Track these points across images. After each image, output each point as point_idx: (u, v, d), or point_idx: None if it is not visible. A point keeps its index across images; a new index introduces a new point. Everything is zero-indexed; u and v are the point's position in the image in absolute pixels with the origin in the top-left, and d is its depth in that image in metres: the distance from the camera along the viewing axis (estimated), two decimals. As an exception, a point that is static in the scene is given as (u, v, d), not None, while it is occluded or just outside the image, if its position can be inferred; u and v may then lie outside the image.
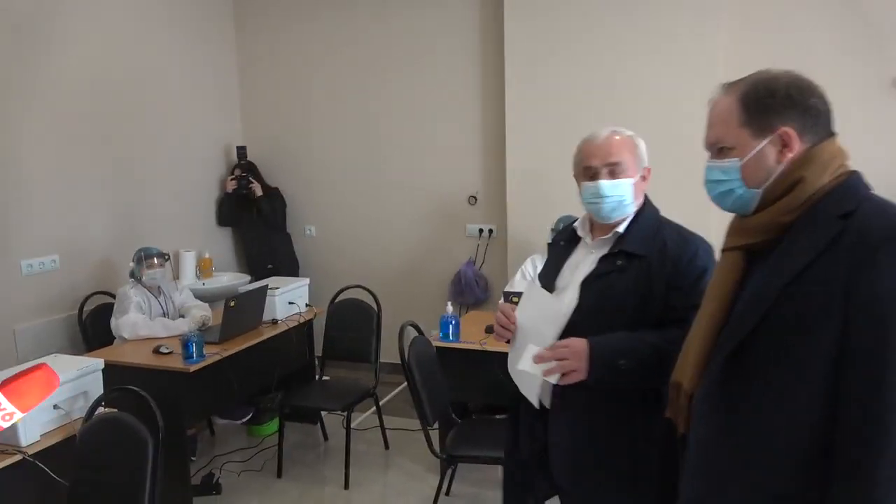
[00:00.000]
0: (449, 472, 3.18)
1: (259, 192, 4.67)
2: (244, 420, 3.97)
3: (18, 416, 0.76)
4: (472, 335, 3.25)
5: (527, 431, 1.76)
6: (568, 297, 1.65)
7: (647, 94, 3.84)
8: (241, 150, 4.73)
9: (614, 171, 1.65)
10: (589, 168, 1.67)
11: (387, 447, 3.73)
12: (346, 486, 3.32)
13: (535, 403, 1.68)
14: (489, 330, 3.27)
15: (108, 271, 3.94)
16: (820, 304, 1.03)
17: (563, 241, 1.79)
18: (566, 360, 1.54)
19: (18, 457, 2.08)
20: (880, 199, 1.10)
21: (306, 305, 3.85)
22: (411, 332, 3.06)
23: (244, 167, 4.72)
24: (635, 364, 1.51)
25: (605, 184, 1.64)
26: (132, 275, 3.49)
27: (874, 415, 0.98)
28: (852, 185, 1.11)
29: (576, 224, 1.77)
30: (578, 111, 3.98)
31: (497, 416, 3.58)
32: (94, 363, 2.43)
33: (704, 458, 1.19)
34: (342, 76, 4.76)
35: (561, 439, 1.67)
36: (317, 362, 3.91)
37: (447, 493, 3.21)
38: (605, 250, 1.66)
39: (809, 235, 1.07)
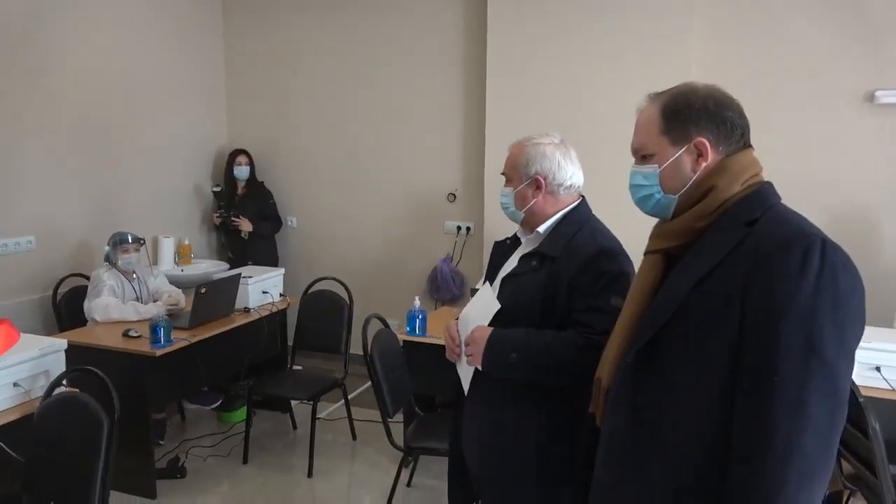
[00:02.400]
0: (409, 463, 3.23)
1: (247, 228, 4.66)
2: (214, 406, 4.00)
3: None
4: (440, 330, 3.27)
5: (457, 420, 1.84)
6: (495, 287, 1.74)
7: (624, 96, 3.87)
8: (217, 192, 4.82)
9: (506, 179, 1.78)
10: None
11: (354, 438, 3.78)
12: (310, 474, 3.37)
13: (465, 391, 1.76)
14: (456, 326, 3.33)
15: (84, 254, 3.97)
16: (720, 306, 1.08)
17: (509, 241, 1.87)
18: (468, 347, 1.65)
19: (-25, 432, 2.12)
20: (784, 209, 1.15)
21: (280, 295, 3.89)
22: (377, 325, 3.10)
23: (224, 195, 4.77)
24: (524, 359, 1.57)
25: (502, 190, 1.80)
26: (107, 258, 3.52)
27: (763, 412, 1.02)
28: (761, 194, 1.16)
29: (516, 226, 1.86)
30: (558, 112, 4.03)
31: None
32: (57, 343, 2.46)
33: (613, 448, 1.24)
34: (327, 72, 4.80)
35: (470, 429, 1.75)
36: (290, 352, 3.95)
37: (408, 485, 3.27)
38: (529, 249, 1.73)
39: (717, 240, 1.13)
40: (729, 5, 3.76)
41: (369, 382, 4.36)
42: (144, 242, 3.64)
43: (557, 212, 1.72)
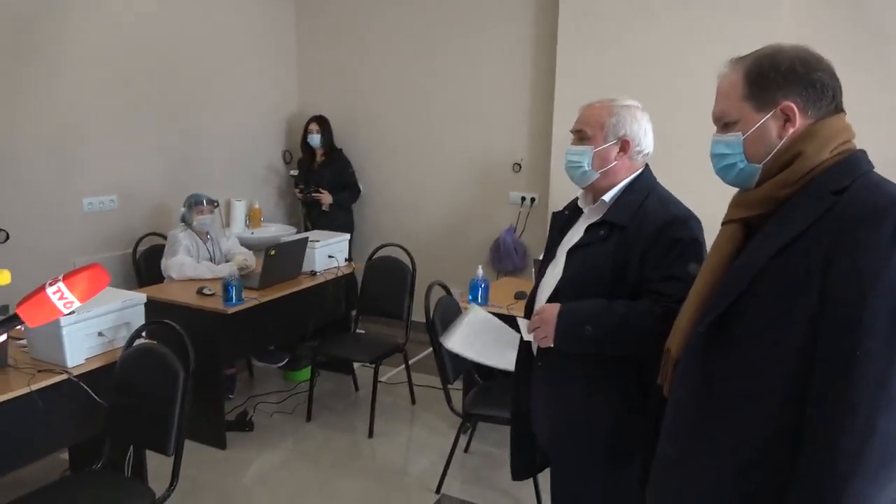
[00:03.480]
0: (467, 430, 3.27)
1: (328, 200, 4.66)
2: (280, 364, 4.15)
3: (77, 304, 0.96)
4: (501, 300, 3.29)
5: (518, 394, 1.83)
6: (557, 265, 1.70)
7: (703, 66, 3.71)
8: (295, 176, 4.88)
9: (579, 138, 1.70)
10: (573, 130, 1.75)
11: (413, 402, 3.85)
12: (371, 435, 3.46)
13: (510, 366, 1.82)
14: (518, 296, 3.32)
15: (162, 214, 4.15)
16: (801, 276, 1.03)
17: (568, 211, 1.82)
18: (538, 328, 1.61)
19: (64, 376, 2.27)
20: (877, 178, 1.08)
21: (346, 260, 3.96)
22: (440, 292, 3.13)
23: (303, 164, 4.83)
24: (601, 332, 1.53)
25: (570, 148, 1.71)
26: (183, 219, 3.67)
27: (843, 389, 0.98)
28: (852, 162, 1.10)
29: (578, 194, 1.80)
30: (628, 81, 3.89)
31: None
32: (137, 297, 2.59)
33: (678, 421, 1.21)
34: (397, 39, 4.79)
35: (540, 405, 1.73)
36: (354, 316, 4.04)
37: (466, 450, 3.31)
38: (594, 219, 1.68)
39: (802, 209, 1.07)
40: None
41: (430, 349, 4.42)
42: (218, 205, 3.77)
43: (624, 179, 1.68)
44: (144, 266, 3.88)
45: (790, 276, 1.05)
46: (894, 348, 0.96)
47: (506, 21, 4.39)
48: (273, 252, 3.38)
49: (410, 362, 3.89)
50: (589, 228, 1.66)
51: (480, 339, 1.87)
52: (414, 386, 3.87)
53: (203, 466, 3.09)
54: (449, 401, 2.93)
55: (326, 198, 4.65)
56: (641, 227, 1.58)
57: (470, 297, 3.30)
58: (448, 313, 3.00)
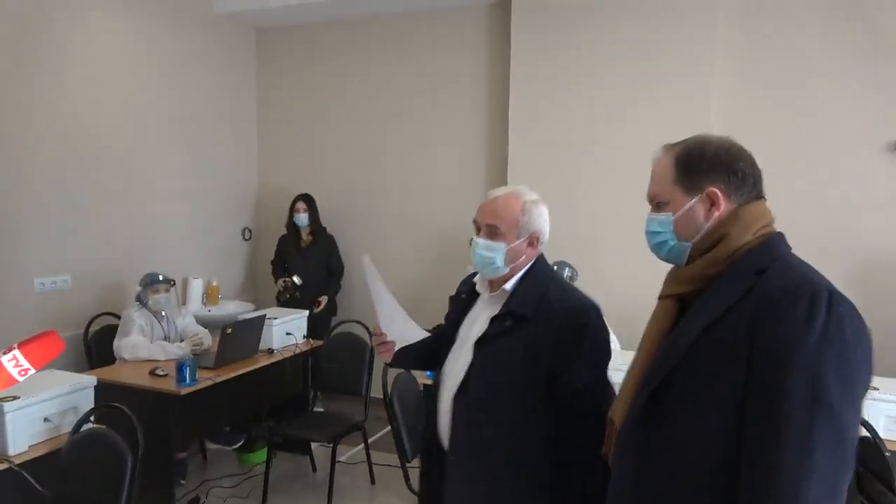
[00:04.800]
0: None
1: (324, 302, 4.57)
2: (235, 446, 4.03)
3: (32, 371, 0.96)
4: (459, 374, 3.30)
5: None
6: (462, 354, 1.70)
7: (644, 145, 3.94)
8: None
9: (491, 232, 1.67)
10: (475, 222, 1.73)
11: (373, 482, 3.76)
12: (329, 518, 3.36)
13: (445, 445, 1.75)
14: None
15: (117, 293, 4.09)
16: (728, 348, 1.11)
17: (465, 294, 1.83)
18: None
19: (5, 465, 2.18)
20: (793, 259, 1.19)
21: (304, 337, 3.94)
22: (398, 370, 3.12)
23: (289, 243, 4.72)
24: None
25: (480, 242, 1.69)
26: (138, 298, 3.63)
27: (769, 457, 1.04)
28: (771, 244, 1.20)
29: (476, 278, 1.80)
30: (579, 154, 4.12)
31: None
32: (87, 380, 2.54)
33: (623, 492, 1.25)
34: (353, 115, 4.97)
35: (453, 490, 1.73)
36: (312, 393, 3.98)
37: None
38: (496, 308, 1.68)
39: (729, 287, 1.16)
40: (749, 54, 3.84)
41: (389, 426, 4.35)
42: (174, 283, 3.75)
43: (524, 267, 1.70)
44: (96, 347, 3.79)
45: (719, 349, 1.12)
46: (814, 419, 1.01)
47: (462, 96, 4.61)
48: (230, 330, 3.35)
49: (370, 440, 3.83)
50: (494, 320, 1.65)
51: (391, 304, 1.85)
52: (373, 465, 3.79)
53: (150, 558, 2.95)
54: (407, 479, 2.88)
55: (324, 301, 4.57)
56: (549, 317, 1.60)
57: (428, 373, 3.30)
58: (406, 389, 3.00)
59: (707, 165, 1.22)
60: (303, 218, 4.64)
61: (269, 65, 5.23)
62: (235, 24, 5.00)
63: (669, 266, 1.34)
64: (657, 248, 1.30)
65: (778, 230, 1.24)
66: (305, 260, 4.62)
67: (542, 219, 1.71)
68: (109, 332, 3.72)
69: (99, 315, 3.91)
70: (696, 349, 1.15)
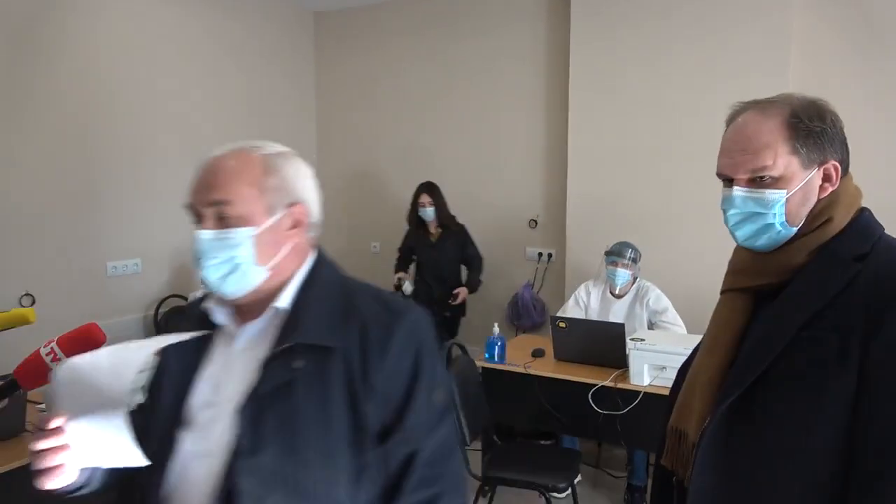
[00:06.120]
0: (486, 493, 3.18)
1: (465, 295, 4.17)
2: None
3: (64, 360, 0.95)
4: (518, 358, 3.26)
5: None
6: (210, 436, 1.00)
7: (716, 114, 3.76)
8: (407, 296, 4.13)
9: (219, 215, 1.00)
10: (190, 207, 1.03)
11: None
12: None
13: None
14: (536, 353, 3.28)
15: (185, 277, 4.22)
16: (834, 353, 0.96)
17: (190, 337, 1.07)
18: None
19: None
20: (892, 240, 1.04)
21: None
22: (456, 351, 3.11)
23: (416, 236, 4.29)
24: None
25: (203, 237, 1.00)
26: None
27: (886, 475, 0.91)
28: (866, 225, 1.05)
29: (206, 303, 1.10)
30: (642, 135, 3.94)
31: (541, 442, 3.56)
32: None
33: None
34: (412, 96, 4.92)
35: None
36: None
37: (485, 515, 3.21)
38: (265, 345, 1.01)
39: (822, 278, 1.01)
40: (828, 29, 3.58)
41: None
42: (237, 267, 3.83)
43: (298, 270, 1.06)
44: (165, 328, 3.92)
45: (820, 353, 0.97)
46: None
47: (519, 74, 4.49)
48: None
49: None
50: (273, 362, 0.99)
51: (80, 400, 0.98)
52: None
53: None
54: (466, 463, 2.86)
55: (463, 294, 4.18)
56: (368, 342, 0.99)
57: (486, 356, 3.27)
58: (465, 373, 2.97)
59: (830, 132, 1.02)
60: (429, 212, 4.18)
61: (327, 48, 5.24)
62: (293, 8, 5.03)
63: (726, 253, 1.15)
64: (754, 234, 1.06)
65: (863, 206, 1.08)
66: (437, 255, 4.21)
67: (306, 182, 1.07)
68: (177, 315, 3.84)
69: (167, 297, 4.04)
70: (791, 351, 0.99)
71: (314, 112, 5.32)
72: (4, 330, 1.46)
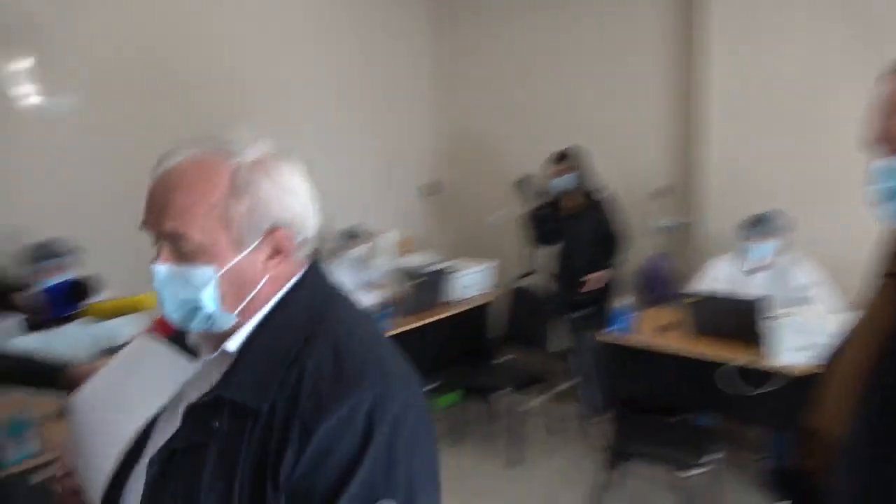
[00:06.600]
0: (615, 465, 3.14)
1: (604, 279, 3.68)
2: (426, 389, 4.27)
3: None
4: (647, 331, 3.16)
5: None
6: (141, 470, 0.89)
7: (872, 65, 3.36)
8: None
9: (175, 249, 0.84)
10: (144, 224, 0.87)
11: (555, 433, 3.78)
12: (513, 464, 3.45)
13: None
14: (666, 327, 3.16)
15: (318, 245, 4.46)
16: None
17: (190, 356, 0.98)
18: None
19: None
20: None
21: (490, 288, 4.02)
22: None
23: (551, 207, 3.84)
24: None
25: (158, 271, 0.85)
26: (337, 250, 3.93)
27: None
28: None
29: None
30: (791, 97, 3.61)
31: (669, 418, 3.44)
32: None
33: None
34: (535, 56, 4.79)
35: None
36: (497, 343, 4.07)
37: (612, 487, 3.18)
38: (205, 388, 0.85)
39: None
40: None
41: (573, 379, 4.32)
42: (369, 236, 4.01)
43: (271, 299, 0.88)
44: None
45: None
46: None
47: (653, 28, 4.25)
48: (416, 281, 3.52)
49: (553, 392, 3.83)
50: (192, 412, 0.85)
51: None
52: (556, 417, 3.80)
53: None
54: (594, 435, 2.85)
55: (595, 281, 3.68)
56: (289, 413, 0.78)
57: (614, 328, 3.20)
58: (592, 344, 2.94)
59: None
60: (563, 181, 3.70)
61: (448, 16, 5.24)
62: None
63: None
64: None
65: None
66: (573, 232, 3.75)
67: (292, 196, 0.89)
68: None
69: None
70: None
71: (431, 70, 5.34)
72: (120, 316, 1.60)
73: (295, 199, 0.89)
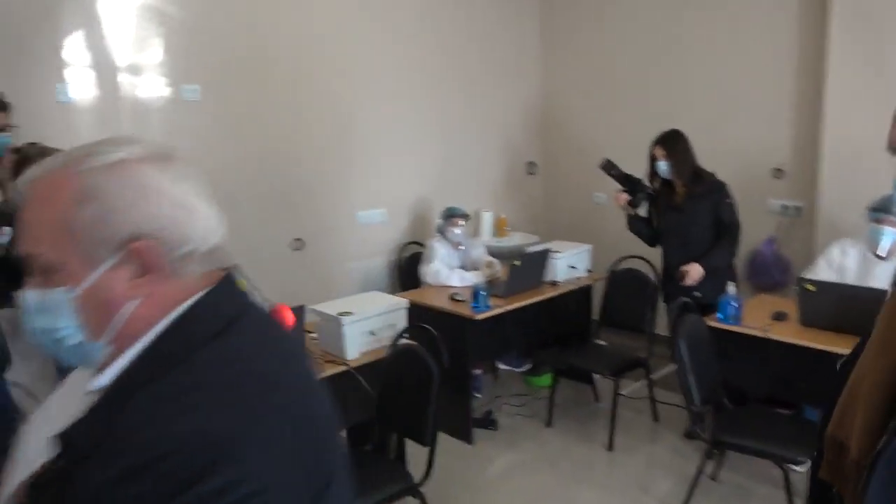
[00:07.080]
0: (714, 456, 3.08)
1: (696, 276, 3.37)
2: (522, 369, 4.32)
3: None
4: (755, 320, 3.05)
5: None
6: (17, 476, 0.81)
7: None
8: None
9: (42, 273, 0.75)
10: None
11: (656, 419, 3.73)
12: (611, 447, 3.44)
13: None
14: (776, 316, 3.04)
15: (423, 225, 4.59)
16: None
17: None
18: None
19: (343, 367, 2.67)
20: None
21: (587, 271, 3.99)
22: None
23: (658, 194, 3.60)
24: None
25: (26, 300, 0.76)
26: (439, 230, 4.03)
27: None
28: None
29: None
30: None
31: (779, 410, 3.32)
32: (401, 302, 2.94)
33: None
34: (642, 31, 4.65)
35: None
36: (594, 326, 4.06)
37: (713, 478, 3.12)
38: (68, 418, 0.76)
39: None
40: None
41: (674, 365, 4.24)
42: (470, 217, 4.07)
43: (154, 326, 0.75)
44: (405, 271, 4.34)
45: None
46: None
47: (766, 4, 4.02)
48: (518, 263, 3.55)
49: (653, 377, 3.78)
50: (53, 448, 0.74)
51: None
52: (657, 402, 3.75)
53: (450, 457, 3.35)
54: (694, 423, 2.80)
55: (693, 274, 3.38)
56: (117, 461, 0.65)
57: (719, 315, 3.11)
58: (695, 331, 2.87)
59: None
60: (663, 166, 3.47)
61: (554, -4, 5.16)
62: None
63: None
64: None
65: None
66: (681, 219, 3.49)
67: (155, 199, 0.74)
68: (415, 259, 4.22)
69: (407, 244, 4.44)
70: None
71: (541, 60, 5.30)
72: None
73: (160, 205, 0.74)
